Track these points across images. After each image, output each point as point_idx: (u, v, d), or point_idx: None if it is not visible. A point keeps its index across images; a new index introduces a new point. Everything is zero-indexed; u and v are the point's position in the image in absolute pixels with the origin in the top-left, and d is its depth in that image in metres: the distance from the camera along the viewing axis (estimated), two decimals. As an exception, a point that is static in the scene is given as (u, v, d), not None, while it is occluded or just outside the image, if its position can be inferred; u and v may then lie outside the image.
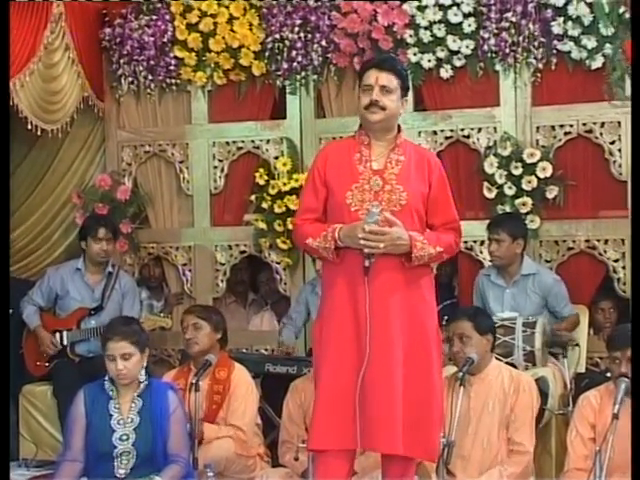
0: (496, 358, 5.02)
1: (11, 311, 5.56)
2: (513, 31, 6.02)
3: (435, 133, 6.29)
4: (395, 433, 4.14)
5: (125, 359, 4.48)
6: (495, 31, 6.05)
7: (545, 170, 5.99)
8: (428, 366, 4.24)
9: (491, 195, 6.11)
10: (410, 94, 6.20)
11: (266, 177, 6.53)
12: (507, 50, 6.04)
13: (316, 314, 4.57)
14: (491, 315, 5.33)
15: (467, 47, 6.12)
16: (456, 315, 5.00)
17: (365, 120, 4.26)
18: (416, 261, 4.18)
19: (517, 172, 6.02)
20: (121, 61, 6.84)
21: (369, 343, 4.11)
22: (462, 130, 6.23)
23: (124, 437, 4.46)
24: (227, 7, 6.56)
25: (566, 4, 5.92)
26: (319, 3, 6.39)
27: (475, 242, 6.23)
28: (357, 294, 4.15)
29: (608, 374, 4.51)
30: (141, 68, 6.80)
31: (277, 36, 6.46)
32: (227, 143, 6.74)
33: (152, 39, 6.73)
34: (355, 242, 4.11)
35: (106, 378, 4.56)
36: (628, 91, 5.80)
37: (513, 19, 6.00)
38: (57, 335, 6.31)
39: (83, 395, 4.55)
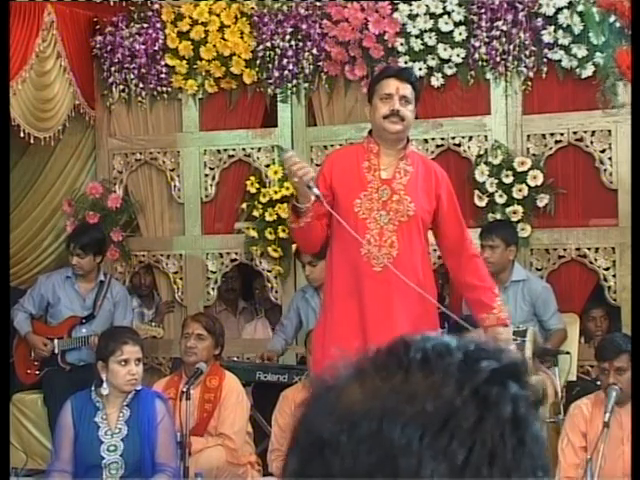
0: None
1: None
2: (504, 40, 6.03)
3: (426, 141, 6.29)
4: None
5: (137, 365, 4.47)
6: (486, 40, 6.06)
7: (536, 178, 5.99)
8: None
9: (482, 203, 6.11)
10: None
11: (257, 185, 6.51)
12: (498, 59, 6.05)
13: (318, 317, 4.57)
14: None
15: (458, 55, 6.12)
16: None
17: (383, 129, 4.22)
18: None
19: (508, 180, 6.02)
20: (112, 69, 6.83)
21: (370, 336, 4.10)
22: (453, 138, 6.24)
23: (112, 448, 4.45)
24: (218, 15, 6.56)
25: (556, 13, 5.93)
26: (310, 11, 6.40)
27: (466, 250, 6.22)
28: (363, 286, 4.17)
29: (599, 382, 4.51)
30: (132, 76, 6.79)
31: (268, 44, 6.46)
32: (218, 151, 6.73)
33: (143, 47, 6.72)
34: (298, 184, 4.05)
35: (92, 388, 4.54)
36: (620, 99, 5.82)
37: (504, 28, 6.01)
38: (48, 343, 6.29)
39: (70, 406, 4.53)
